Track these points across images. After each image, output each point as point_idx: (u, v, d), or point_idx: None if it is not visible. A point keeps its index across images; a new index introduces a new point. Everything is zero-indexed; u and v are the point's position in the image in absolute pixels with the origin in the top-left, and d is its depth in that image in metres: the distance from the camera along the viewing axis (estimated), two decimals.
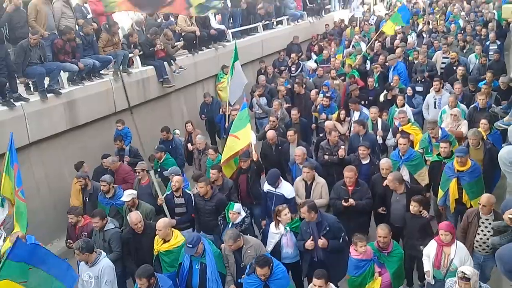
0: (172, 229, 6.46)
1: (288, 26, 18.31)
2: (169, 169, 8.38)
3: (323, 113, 10.93)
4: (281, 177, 7.47)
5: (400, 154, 7.76)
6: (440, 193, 7.29)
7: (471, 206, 6.78)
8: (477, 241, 6.02)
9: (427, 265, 5.78)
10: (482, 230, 5.99)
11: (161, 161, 9.22)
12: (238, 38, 15.13)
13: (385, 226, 5.93)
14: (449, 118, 9.09)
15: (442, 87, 10.65)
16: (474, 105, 9.46)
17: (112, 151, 9.72)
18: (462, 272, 4.81)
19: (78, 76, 9.75)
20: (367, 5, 24.07)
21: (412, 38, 16.50)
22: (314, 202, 6.29)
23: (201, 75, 13.43)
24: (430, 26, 17.62)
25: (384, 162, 7.37)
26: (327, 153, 8.48)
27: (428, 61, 13.21)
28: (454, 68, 12.30)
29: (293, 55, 15.23)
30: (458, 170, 6.92)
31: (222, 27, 14.27)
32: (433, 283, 5.75)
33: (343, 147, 8.42)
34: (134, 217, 6.48)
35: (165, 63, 11.80)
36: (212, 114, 11.87)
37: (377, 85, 12.27)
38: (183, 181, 7.73)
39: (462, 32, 16.11)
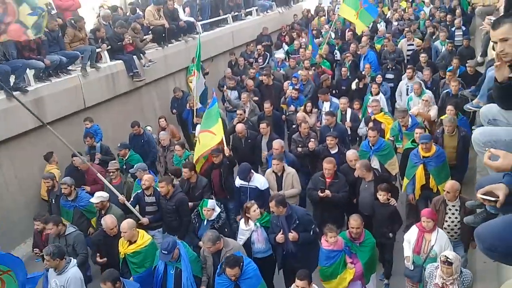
0: (137, 229, 6.35)
1: (258, 16, 18.31)
2: (135, 165, 8.19)
3: (292, 106, 10.86)
4: (252, 170, 7.47)
5: (370, 145, 7.93)
6: (405, 181, 7.43)
7: (437, 191, 6.98)
8: (445, 228, 6.10)
9: (408, 251, 5.83)
10: (449, 217, 6.13)
11: (126, 158, 8.94)
12: (207, 30, 15.07)
13: (357, 216, 5.96)
14: (421, 104, 9.27)
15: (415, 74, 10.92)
16: (446, 90, 9.64)
17: (83, 148, 9.59)
18: (445, 256, 4.96)
19: (44, 73, 9.55)
20: None
21: (381, 26, 16.63)
22: (282, 196, 6.26)
23: (172, 68, 13.34)
24: (397, 15, 17.84)
25: (351, 154, 7.44)
26: (299, 145, 8.53)
27: (395, 49, 13.39)
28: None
29: (259, 46, 15.19)
30: (423, 156, 7.10)
31: (191, 19, 14.14)
32: (412, 268, 5.81)
33: (313, 139, 8.42)
34: (110, 221, 6.35)
35: (134, 57, 11.68)
36: (183, 108, 11.71)
37: (349, 74, 12.26)
38: (153, 179, 7.53)
39: (431, 18, 16.38)
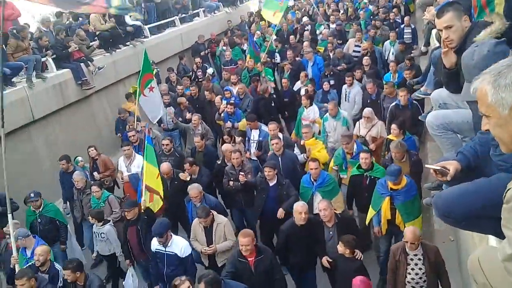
0: None
1: (206, 17, 18.22)
2: (16, 231, 6.58)
3: (228, 121, 9.85)
4: (170, 232, 6.11)
5: (312, 180, 6.87)
6: (371, 212, 6.45)
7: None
8: (408, 281, 5.30)
9: None
10: (412, 269, 5.29)
11: (40, 209, 7.44)
12: (155, 34, 14.87)
13: None
14: (362, 121, 8.56)
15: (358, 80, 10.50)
16: (395, 103, 8.66)
17: (30, 164, 9.14)
18: None
19: None
20: None
21: (323, 28, 15.73)
22: (212, 275, 4.84)
23: (122, 74, 13.07)
24: (341, 14, 17.26)
25: (301, 205, 6.01)
26: (231, 179, 7.46)
27: (345, 54, 12.58)
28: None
29: (197, 59, 14.28)
30: (392, 189, 6.15)
31: (138, 23, 13.90)
32: None
33: (246, 172, 7.35)
34: None
35: (82, 64, 11.36)
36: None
37: (289, 84, 11.24)
38: (48, 251, 6.12)
39: (371, 18, 16.01)
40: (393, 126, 7.63)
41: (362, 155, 6.81)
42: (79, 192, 8.03)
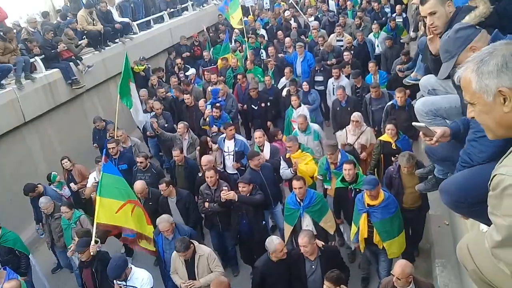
0: None
1: (194, 11, 18.09)
2: None
3: (214, 126, 9.18)
4: (131, 265, 5.69)
5: (298, 200, 6.15)
6: (354, 229, 6.01)
7: (383, 249, 5.80)
8: None
9: None
10: None
11: None
12: (144, 29, 14.77)
13: None
14: (350, 126, 8.01)
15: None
16: (391, 102, 8.30)
17: (25, 166, 9.06)
18: None
19: None
20: None
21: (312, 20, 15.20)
22: None
23: (112, 72, 12.94)
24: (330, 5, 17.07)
25: (279, 243, 5.31)
26: (207, 200, 6.80)
27: (334, 47, 12.00)
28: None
29: (178, 60, 13.65)
30: (368, 205, 5.66)
31: (126, 19, 13.80)
32: None
33: (225, 187, 6.58)
34: None
35: (71, 63, 11.27)
36: (105, 141, 9.57)
37: (274, 82, 10.88)
38: (19, 285, 5.56)
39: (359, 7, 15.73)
40: (390, 126, 7.23)
41: (345, 165, 6.22)
42: (47, 216, 7.49)
